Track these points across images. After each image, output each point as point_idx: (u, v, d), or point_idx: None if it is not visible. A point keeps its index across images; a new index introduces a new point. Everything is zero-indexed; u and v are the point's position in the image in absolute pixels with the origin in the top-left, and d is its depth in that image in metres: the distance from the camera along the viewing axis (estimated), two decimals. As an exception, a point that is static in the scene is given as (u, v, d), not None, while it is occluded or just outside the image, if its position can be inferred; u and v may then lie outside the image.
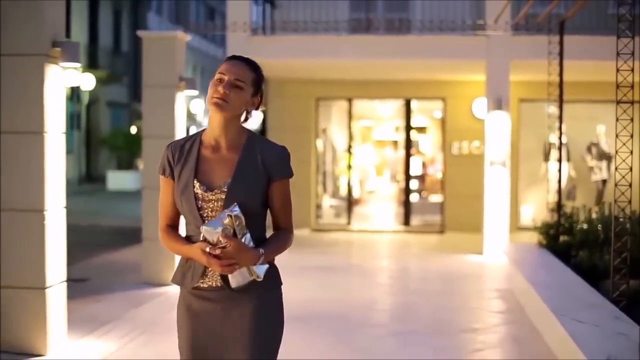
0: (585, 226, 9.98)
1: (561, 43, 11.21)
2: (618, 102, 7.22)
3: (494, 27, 13.54)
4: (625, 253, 7.03)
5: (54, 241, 6.87)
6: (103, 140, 33.22)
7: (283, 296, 3.53)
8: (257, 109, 3.52)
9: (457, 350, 7.52)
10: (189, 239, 3.42)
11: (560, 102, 11.25)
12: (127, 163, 33.55)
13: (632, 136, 7.20)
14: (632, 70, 7.24)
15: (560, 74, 11.21)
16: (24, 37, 6.74)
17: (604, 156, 17.69)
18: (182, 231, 3.54)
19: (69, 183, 31.43)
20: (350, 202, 18.78)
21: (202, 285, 3.41)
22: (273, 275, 3.45)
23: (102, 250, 13.42)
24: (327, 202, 19.52)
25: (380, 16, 16.95)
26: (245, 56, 3.51)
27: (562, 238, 10.36)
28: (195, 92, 10.87)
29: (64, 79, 7.03)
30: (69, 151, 32.69)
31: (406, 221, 18.17)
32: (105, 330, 7.75)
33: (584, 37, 13.27)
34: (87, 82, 28.34)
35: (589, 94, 16.60)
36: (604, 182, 17.75)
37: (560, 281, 8.40)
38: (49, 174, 6.78)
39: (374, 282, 11.68)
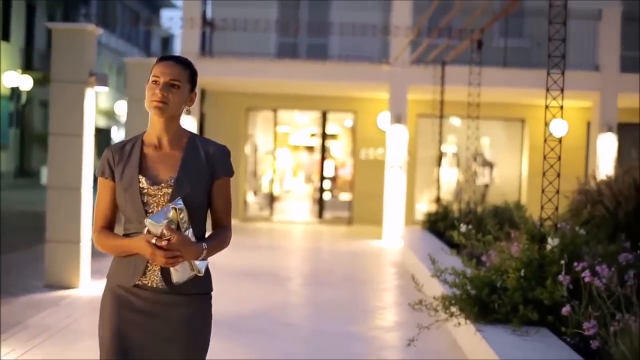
0: (456, 214, 13.46)
1: (443, 76, 14.72)
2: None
3: (395, 63, 16.90)
4: (470, 224, 10.53)
5: (85, 210, 9.93)
6: (37, 137, 35.64)
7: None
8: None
9: (362, 291, 10.89)
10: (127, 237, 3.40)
11: (441, 118, 14.81)
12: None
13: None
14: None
15: (442, 98, 14.71)
16: (70, 69, 9.79)
17: (486, 164, 21.26)
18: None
19: (5, 176, 33.94)
20: (272, 198, 22.01)
21: (140, 284, 3.39)
22: (206, 281, 3.49)
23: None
24: (251, 197, 22.64)
25: (304, 42, 20.25)
26: (175, 54, 3.59)
27: (439, 223, 13.79)
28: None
29: (94, 99, 10.08)
30: (5, 147, 35.18)
31: (320, 215, 21.51)
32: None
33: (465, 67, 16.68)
34: (26, 83, 31.11)
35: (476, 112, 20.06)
36: (487, 186, 21.30)
37: (431, 248, 11.79)
38: (85, 163, 9.84)
39: (294, 255, 15.03)
